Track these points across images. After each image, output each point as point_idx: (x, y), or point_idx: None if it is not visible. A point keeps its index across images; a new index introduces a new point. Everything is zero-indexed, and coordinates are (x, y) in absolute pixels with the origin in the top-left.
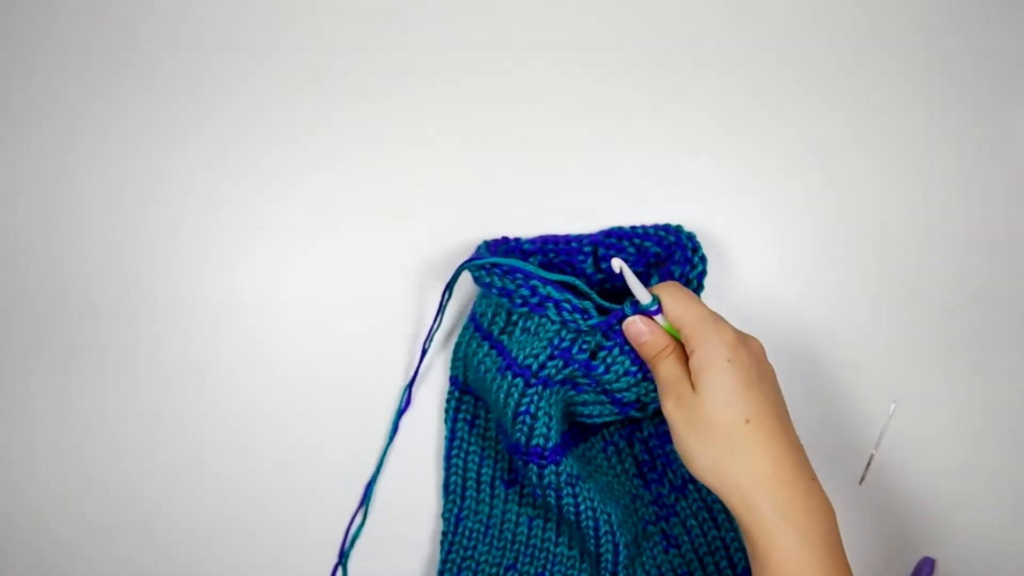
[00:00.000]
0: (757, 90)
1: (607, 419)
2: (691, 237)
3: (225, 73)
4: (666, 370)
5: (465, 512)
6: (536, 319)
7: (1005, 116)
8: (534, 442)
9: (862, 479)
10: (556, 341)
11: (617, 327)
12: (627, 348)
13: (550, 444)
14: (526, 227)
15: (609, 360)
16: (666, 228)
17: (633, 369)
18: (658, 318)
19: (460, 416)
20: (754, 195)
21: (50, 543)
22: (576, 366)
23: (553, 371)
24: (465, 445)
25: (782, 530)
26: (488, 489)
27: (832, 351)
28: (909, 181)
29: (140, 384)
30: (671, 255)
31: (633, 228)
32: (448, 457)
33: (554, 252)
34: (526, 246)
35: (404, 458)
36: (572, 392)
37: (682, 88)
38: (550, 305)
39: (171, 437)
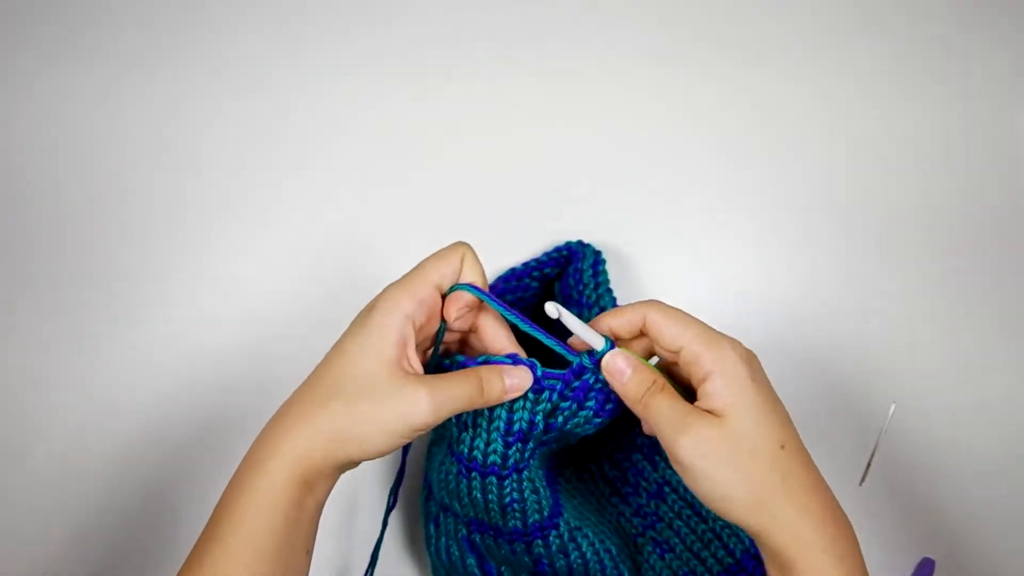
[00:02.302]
0: (752, 89)
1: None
2: (585, 246)
3: (223, 73)
4: (665, 406)
5: None
6: (472, 413)
7: (1005, 113)
8: (531, 521)
9: (862, 480)
10: (503, 428)
11: (576, 383)
12: (589, 403)
13: (546, 512)
14: None
15: (564, 407)
16: (558, 248)
17: (596, 421)
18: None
19: (428, 512)
20: (754, 194)
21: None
22: (536, 439)
23: (517, 456)
24: (435, 541)
25: (827, 564)
26: None
27: (832, 352)
28: (909, 180)
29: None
30: (564, 270)
31: (526, 263)
32: (426, 548)
33: None
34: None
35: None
36: (544, 449)
37: (677, 79)
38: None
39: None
